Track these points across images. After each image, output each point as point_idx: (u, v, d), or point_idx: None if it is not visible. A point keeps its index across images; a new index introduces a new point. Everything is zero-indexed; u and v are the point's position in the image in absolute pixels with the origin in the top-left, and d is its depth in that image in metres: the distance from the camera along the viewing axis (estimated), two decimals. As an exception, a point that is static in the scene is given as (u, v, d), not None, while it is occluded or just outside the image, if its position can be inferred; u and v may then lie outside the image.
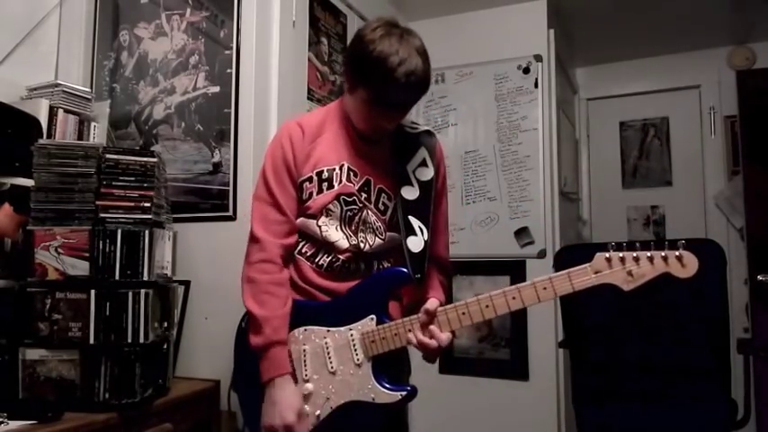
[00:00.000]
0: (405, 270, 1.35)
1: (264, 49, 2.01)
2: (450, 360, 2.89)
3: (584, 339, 2.21)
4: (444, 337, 1.29)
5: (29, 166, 1.51)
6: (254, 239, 1.36)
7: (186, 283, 1.91)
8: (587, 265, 1.22)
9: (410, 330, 1.30)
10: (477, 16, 3.01)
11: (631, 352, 2.10)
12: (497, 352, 2.82)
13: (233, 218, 1.90)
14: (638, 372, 2.08)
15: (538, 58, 2.84)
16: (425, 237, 1.36)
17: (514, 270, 2.77)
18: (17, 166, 1.60)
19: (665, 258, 1.17)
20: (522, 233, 2.78)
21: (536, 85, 2.83)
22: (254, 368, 1.36)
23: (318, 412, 1.32)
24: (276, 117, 2.01)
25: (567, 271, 1.22)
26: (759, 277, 2.78)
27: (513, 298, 1.26)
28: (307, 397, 1.33)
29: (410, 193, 1.38)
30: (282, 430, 1.26)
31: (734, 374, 2.08)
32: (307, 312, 1.36)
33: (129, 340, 1.47)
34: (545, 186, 2.77)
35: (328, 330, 1.34)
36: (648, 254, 1.18)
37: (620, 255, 1.19)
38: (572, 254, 2.32)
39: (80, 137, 1.95)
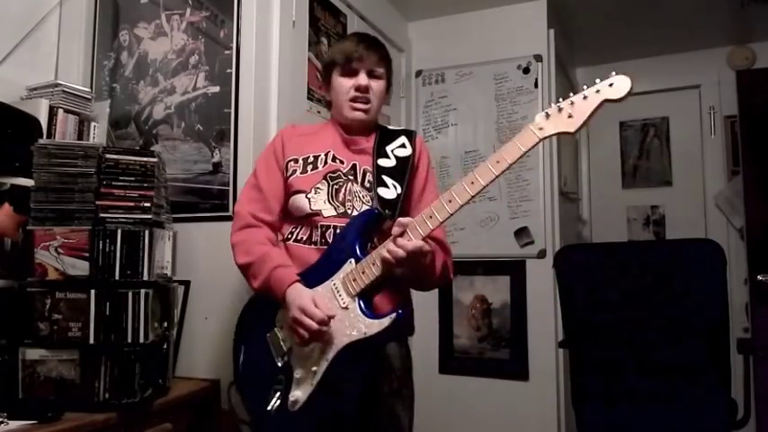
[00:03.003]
0: (373, 209, 1.40)
1: (264, 49, 2.01)
2: (450, 360, 2.89)
3: (585, 339, 2.21)
4: (410, 244, 1.26)
5: (29, 166, 1.51)
6: (234, 213, 1.51)
7: (186, 283, 1.91)
8: (530, 125, 1.24)
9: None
10: (477, 16, 3.01)
11: (631, 352, 2.10)
12: (497, 352, 2.82)
13: (233, 218, 1.90)
14: (638, 371, 2.08)
15: (538, 58, 2.84)
16: (398, 191, 1.44)
17: (514, 270, 2.77)
18: (17, 166, 1.60)
19: (597, 91, 1.21)
20: (522, 233, 2.78)
21: (536, 85, 2.83)
22: (255, 364, 1.39)
23: (315, 368, 1.32)
24: (276, 117, 2.01)
25: (513, 138, 1.25)
26: (759, 277, 2.78)
27: (472, 182, 1.27)
28: (302, 360, 1.34)
29: (386, 162, 1.49)
30: (300, 313, 1.29)
31: (734, 374, 2.08)
32: None
33: (129, 340, 1.46)
34: (545, 186, 2.77)
35: (314, 291, 1.35)
36: (582, 93, 1.21)
37: (558, 105, 1.23)
38: (572, 254, 2.33)
39: (80, 137, 1.95)
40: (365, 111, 1.52)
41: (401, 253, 1.26)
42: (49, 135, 1.83)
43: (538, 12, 2.88)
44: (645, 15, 3.08)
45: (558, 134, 1.24)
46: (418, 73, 3.10)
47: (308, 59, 2.22)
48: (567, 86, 3.45)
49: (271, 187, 1.49)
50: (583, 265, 2.26)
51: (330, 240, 1.41)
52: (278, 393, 1.34)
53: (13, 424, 1.27)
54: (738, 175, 3.19)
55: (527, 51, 2.86)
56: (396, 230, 1.29)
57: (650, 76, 3.67)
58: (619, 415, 2.07)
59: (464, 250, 2.84)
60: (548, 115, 1.23)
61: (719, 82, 3.45)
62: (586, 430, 2.13)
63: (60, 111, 1.88)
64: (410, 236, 1.28)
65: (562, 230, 2.85)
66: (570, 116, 1.21)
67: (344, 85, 1.51)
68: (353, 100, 1.51)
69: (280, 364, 1.37)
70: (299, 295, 1.32)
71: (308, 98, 2.21)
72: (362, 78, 1.51)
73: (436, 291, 2.80)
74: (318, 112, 2.27)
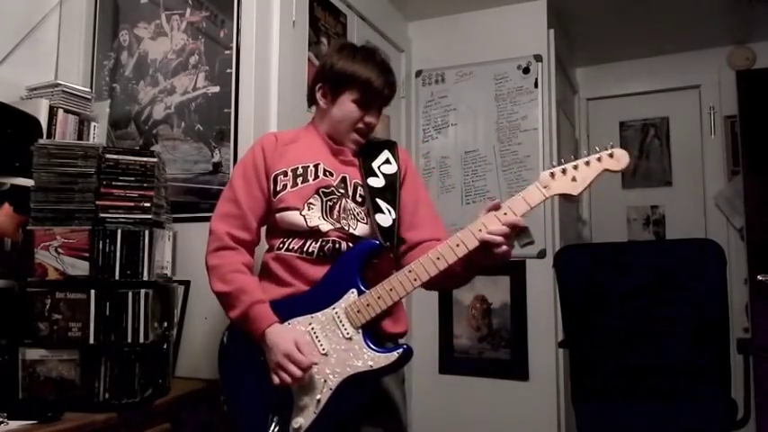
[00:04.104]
0: (374, 241, 1.39)
1: (264, 49, 2.01)
2: (450, 360, 2.89)
3: (585, 339, 2.21)
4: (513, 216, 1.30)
5: (29, 166, 1.51)
6: (210, 231, 1.46)
7: (186, 283, 1.91)
8: (536, 182, 1.31)
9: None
10: (477, 16, 3.01)
11: (631, 352, 2.10)
12: (497, 352, 2.82)
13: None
14: (637, 371, 2.08)
15: (538, 58, 2.84)
16: (393, 216, 1.44)
17: (514, 270, 2.77)
18: (17, 166, 1.60)
19: (599, 159, 1.29)
20: (522, 233, 2.77)
21: (536, 85, 2.83)
22: (248, 384, 1.38)
23: (319, 397, 1.32)
24: (276, 117, 2.01)
25: (520, 194, 1.31)
26: (759, 277, 2.78)
27: (479, 230, 1.30)
28: (304, 388, 1.33)
29: (376, 182, 1.48)
30: (286, 360, 1.29)
31: (734, 374, 2.08)
32: (287, 308, 1.37)
33: (129, 340, 1.46)
34: (545, 186, 2.76)
35: (312, 316, 1.35)
36: (585, 159, 1.30)
37: (562, 168, 1.30)
38: (572, 254, 2.33)
39: (80, 137, 1.95)
40: (363, 142, 1.52)
41: (519, 220, 1.30)
42: (49, 135, 1.83)
43: (538, 12, 2.88)
44: (645, 15, 3.08)
45: (562, 195, 1.31)
46: (418, 73, 3.10)
47: (308, 59, 2.22)
48: (567, 86, 3.46)
49: (249, 202, 1.44)
50: (583, 265, 2.26)
51: (328, 254, 1.39)
52: (276, 418, 1.34)
53: (13, 424, 1.27)
54: (738, 175, 3.19)
55: (527, 51, 2.86)
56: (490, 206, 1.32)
57: (650, 76, 3.68)
58: (619, 415, 2.08)
59: (464, 250, 2.84)
60: (553, 175, 1.30)
61: (719, 82, 3.45)
62: (586, 430, 2.13)
63: (60, 111, 1.88)
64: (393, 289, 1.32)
65: (562, 230, 2.85)
66: (574, 179, 1.29)
67: (354, 116, 1.47)
68: (358, 132, 1.49)
69: (279, 388, 1.35)
70: (282, 338, 1.31)
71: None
72: (375, 118, 1.49)
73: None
74: (318, 112, 2.27)
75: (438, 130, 3.02)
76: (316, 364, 1.31)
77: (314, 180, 1.44)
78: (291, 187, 1.43)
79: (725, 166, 3.41)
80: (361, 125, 1.48)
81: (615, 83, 3.79)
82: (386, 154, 1.53)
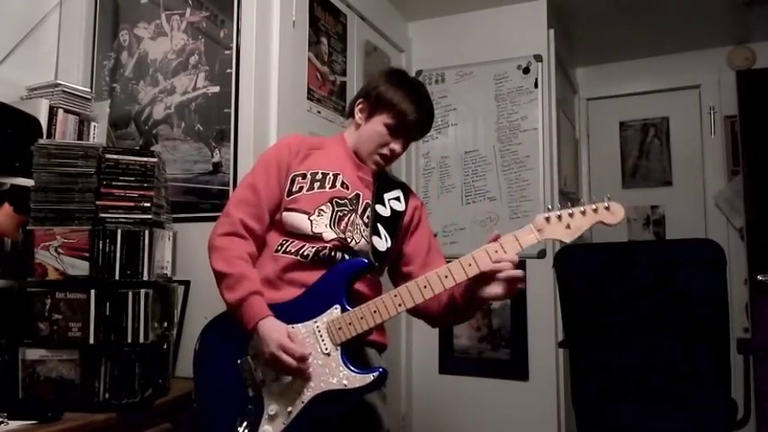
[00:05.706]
0: (364, 259, 1.40)
1: (264, 49, 2.01)
2: (450, 360, 2.89)
3: (585, 339, 2.21)
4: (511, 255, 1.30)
5: (29, 166, 1.51)
6: (224, 214, 1.45)
7: (186, 283, 1.91)
8: (530, 224, 1.31)
9: (399, 301, 1.32)
10: (476, 16, 3.01)
11: (631, 352, 2.10)
12: (497, 352, 2.82)
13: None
14: (638, 371, 2.08)
15: (538, 58, 2.84)
16: (389, 244, 1.47)
17: (514, 270, 2.77)
18: (17, 166, 1.60)
19: (595, 210, 1.30)
20: (522, 233, 2.77)
21: (536, 85, 2.83)
22: (221, 388, 1.36)
23: (290, 408, 1.31)
24: (276, 117, 2.01)
25: (513, 233, 1.31)
26: (759, 277, 2.78)
27: (470, 264, 1.31)
28: (276, 396, 1.32)
29: (382, 210, 1.51)
30: (279, 350, 1.28)
31: (734, 374, 2.08)
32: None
33: (129, 340, 1.47)
34: (545, 186, 2.77)
35: (293, 327, 1.34)
36: (581, 208, 1.30)
37: (558, 213, 1.30)
38: (572, 254, 2.33)
39: (80, 137, 1.94)
40: (383, 167, 1.55)
41: (511, 257, 1.29)
42: (49, 135, 1.83)
43: (538, 12, 2.88)
44: (645, 15, 3.08)
45: (554, 240, 1.33)
46: (418, 73, 3.10)
47: (308, 59, 2.22)
48: (567, 86, 3.46)
49: (267, 193, 1.45)
50: (583, 265, 2.26)
51: (323, 259, 1.39)
52: (245, 423, 1.32)
53: (13, 424, 1.28)
54: (738, 175, 3.19)
55: (527, 51, 2.86)
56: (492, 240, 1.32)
57: (650, 76, 3.68)
58: (618, 415, 2.07)
59: (464, 250, 2.82)
60: (548, 219, 1.30)
61: (719, 82, 3.45)
62: (586, 430, 2.13)
63: (60, 111, 1.87)
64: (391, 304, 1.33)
65: (562, 230, 2.85)
66: (568, 227, 1.30)
67: (382, 138, 1.50)
68: (381, 156, 1.52)
69: (251, 394, 1.34)
70: (275, 329, 1.30)
71: (308, 98, 2.21)
72: (401, 147, 1.52)
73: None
74: (318, 112, 2.28)
75: (438, 131, 3.02)
76: (309, 354, 1.30)
77: (330, 189, 1.46)
78: (307, 190, 1.45)
79: (725, 166, 3.41)
80: (385, 150, 1.51)
81: (615, 83, 3.79)
82: (398, 192, 1.57)
